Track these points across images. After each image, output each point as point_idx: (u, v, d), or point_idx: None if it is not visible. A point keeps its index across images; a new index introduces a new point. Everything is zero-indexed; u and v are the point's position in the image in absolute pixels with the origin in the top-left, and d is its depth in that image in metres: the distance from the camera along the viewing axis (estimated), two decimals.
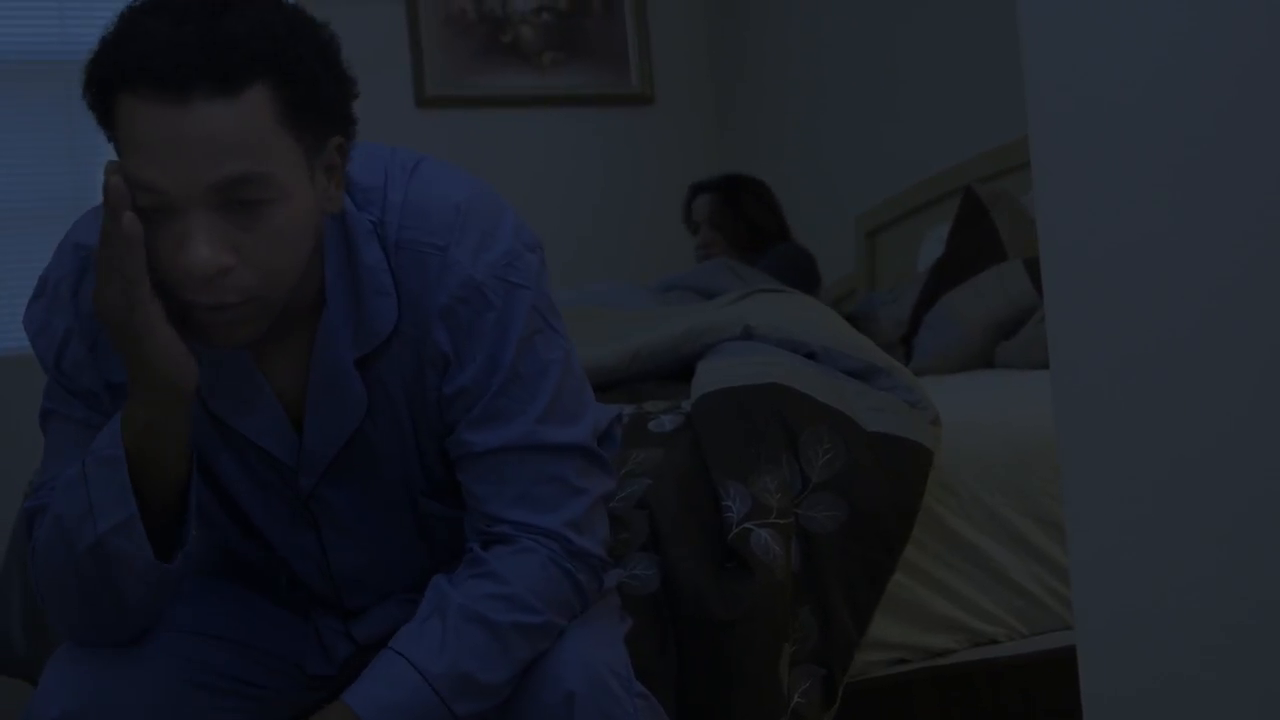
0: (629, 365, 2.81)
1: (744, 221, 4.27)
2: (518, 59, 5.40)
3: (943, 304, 3.85)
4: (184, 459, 1.56)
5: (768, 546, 2.15)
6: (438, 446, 1.68)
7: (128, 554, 1.53)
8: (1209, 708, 1.22)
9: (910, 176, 4.63)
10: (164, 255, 1.46)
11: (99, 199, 1.49)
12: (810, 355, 2.58)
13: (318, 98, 1.48)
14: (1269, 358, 1.13)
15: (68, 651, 1.63)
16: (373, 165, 1.64)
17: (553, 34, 5.44)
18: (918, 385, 2.55)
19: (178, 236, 1.44)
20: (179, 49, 1.40)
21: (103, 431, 1.55)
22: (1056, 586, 2.50)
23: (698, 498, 2.21)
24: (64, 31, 4.76)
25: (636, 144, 5.50)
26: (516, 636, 1.58)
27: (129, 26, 1.44)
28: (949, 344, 3.73)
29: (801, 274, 4.18)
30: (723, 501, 2.19)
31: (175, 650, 1.66)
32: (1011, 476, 2.53)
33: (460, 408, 1.63)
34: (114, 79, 1.43)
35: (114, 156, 1.48)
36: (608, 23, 5.51)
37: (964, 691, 2.45)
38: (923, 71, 4.62)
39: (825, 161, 5.13)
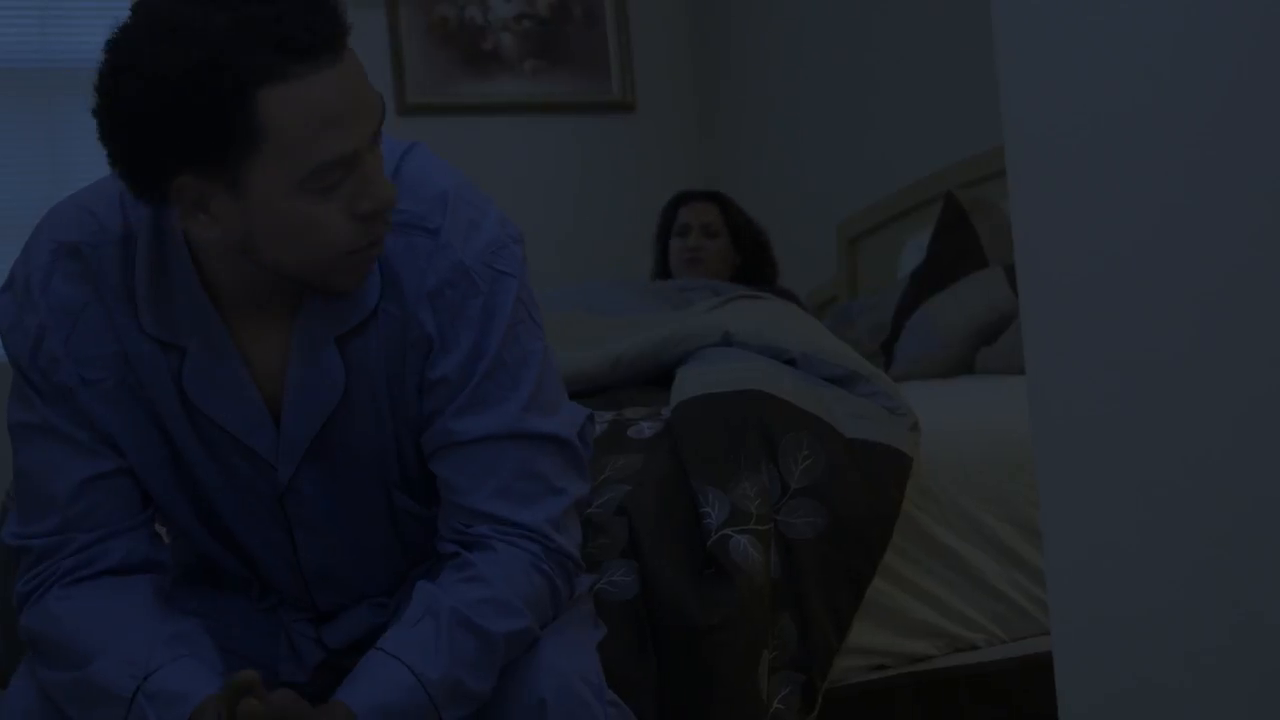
0: (609, 372, 2.81)
1: (736, 232, 4.26)
2: (499, 66, 5.40)
3: (924, 310, 3.86)
4: None
5: (747, 552, 2.15)
6: (414, 437, 1.68)
7: None
8: (1185, 715, 1.22)
9: (891, 184, 4.64)
10: (338, 221, 1.49)
11: None
12: (790, 361, 2.59)
13: None
14: (1245, 364, 1.14)
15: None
16: None
17: (534, 41, 5.45)
18: (897, 392, 2.56)
19: (356, 186, 1.48)
20: (309, 12, 1.42)
21: None
22: (1035, 592, 2.51)
23: (677, 504, 2.21)
24: (45, 41, 4.74)
25: (618, 151, 5.50)
26: (505, 645, 1.58)
27: (231, 24, 1.40)
28: (930, 350, 3.74)
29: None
30: (701, 508, 2.19)
31: None
32: (991, 482, 2.54)
33: (443, 395, 1.63)
34: (257, 76, 1.41)
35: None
36: (589, 30, 5.52)
37: (944, 697, 2.45)
38: (903, 79, 4.63)
39: (806, 169, 5.13)
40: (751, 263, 4.25)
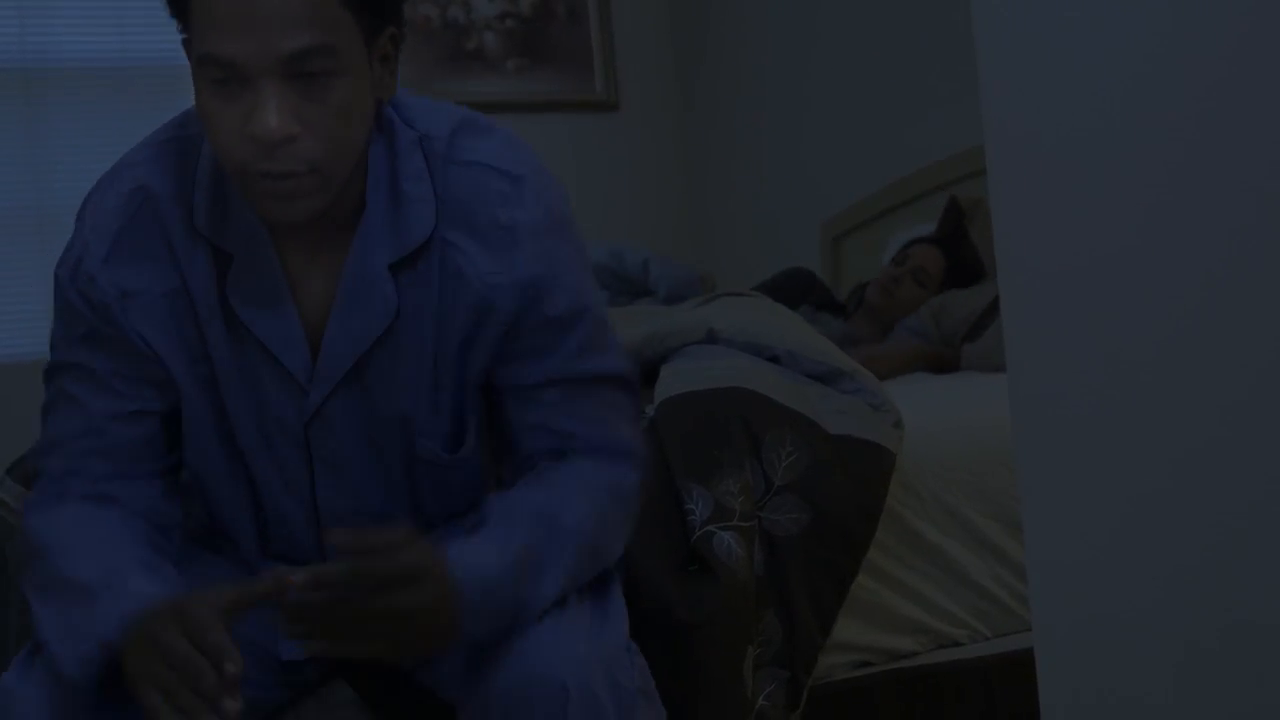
0: None
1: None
2: (482, 65, 5.40)
3: None
4: None
5: (730, 549, 2.15)
6: (455, 380, 1.71)
7: None
8: (1169, 715, 1.22)
9: (875, 182, 4.64)
10: (231, 128, 1.52)
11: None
12: (774, 358, 2.59)
13: None
14: (1227, 360, 1.14)
15: (30, 653, 1.63)
16: (424, 101, 1.75)
17: (517, 40, 5.44)
18: (880, 388, 2.56)
19: (247, 107, 1.51)
20: None
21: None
22: (1019, 588, 2.51)
23: (660, 501, 2.21)
24: (24, 39, 4.72)
25: (602, 150, 5.50)
26: (602, 508, 1.71)
27: None
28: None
29: None
30: (685, 505, 2.19)
31: None
32: (974, 478, 2.54)
33: (550, 335, 1.70)
34: None
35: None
36: (572, 28, 5.51)
37: (928, 694, 2.46)
38: (887, 76, 4.63)
39: (790, 166, 5.14)
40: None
